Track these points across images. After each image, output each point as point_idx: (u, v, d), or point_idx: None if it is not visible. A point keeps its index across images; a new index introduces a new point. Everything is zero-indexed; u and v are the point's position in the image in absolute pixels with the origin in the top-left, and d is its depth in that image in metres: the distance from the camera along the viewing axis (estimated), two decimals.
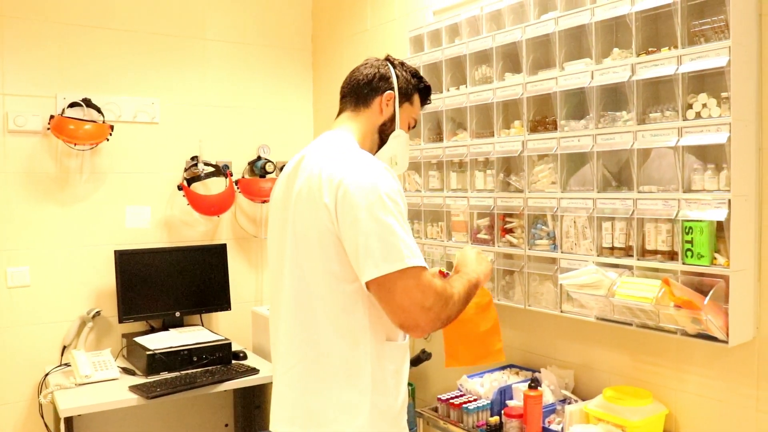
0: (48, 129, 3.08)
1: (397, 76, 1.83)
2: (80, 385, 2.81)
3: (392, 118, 1.83)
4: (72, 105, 3.14)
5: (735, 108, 1.76)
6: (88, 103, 3.17)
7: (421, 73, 1.94)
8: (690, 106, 1.86)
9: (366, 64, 1.86)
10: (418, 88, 1.88)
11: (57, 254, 3.18)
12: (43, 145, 3.14)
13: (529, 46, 2.29)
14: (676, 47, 1.87)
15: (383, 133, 1.83)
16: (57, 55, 3.16)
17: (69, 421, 2.68)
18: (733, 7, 1.75)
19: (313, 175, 1.62)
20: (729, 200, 1.76)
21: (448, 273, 1.95)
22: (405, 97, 1.85)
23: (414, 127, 1.94)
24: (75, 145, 3.14)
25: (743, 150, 1.80)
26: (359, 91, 1.82)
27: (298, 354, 1.65)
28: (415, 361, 2.71)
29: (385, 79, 1.82)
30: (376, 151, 1.83)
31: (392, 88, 1.81)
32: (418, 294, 1.50)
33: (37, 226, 3.13)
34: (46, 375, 3.00)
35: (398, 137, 1.84)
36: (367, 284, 1.52)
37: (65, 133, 3.06)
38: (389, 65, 1.84)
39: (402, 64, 1.87)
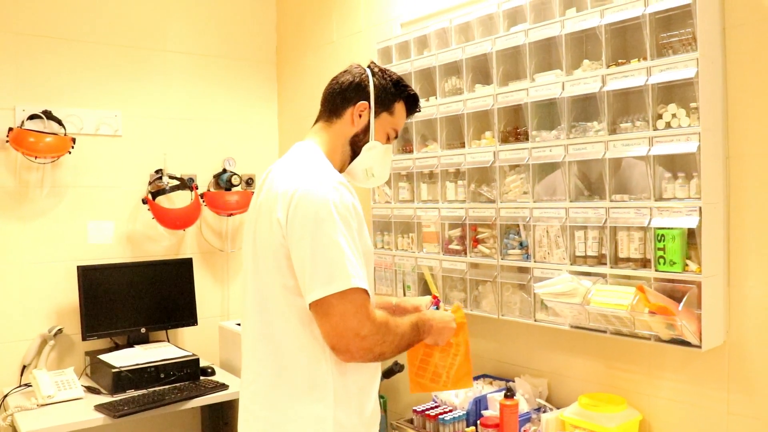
0: (6, 141, 3.00)
1: (375, 85, 1.76)
2: (42, 405, 2.73)
3: (366, 129, 1.76)
4: (32, 117, 3.06)
5: (704, 117, 1.80)
6: (48, 115, 3.09)
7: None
8: (660, 116, 1.90)
9: (345, 71, 1.80)
10: (400, 97, 1.81)
11: (16, 271, 3.08)
12: (0, 158, 3.05)
13: (499, 57, 2.31)
14: (645, 59, 1.91)
15: (355, 145, 1.77)
16: (15, 65, 3.08)
17: None
18: (699, 20, 1.80)
19: (271, 190, 1.62)
20: (700, 208, 1.80)
21: (438, 299, 1.94)
22: (383, 107, 1.78)
23: (396, 137, 1.87)
24: (35, 158, 3.05)
25: (711, 158, 1.84)
26: (333, 100, 1.77)
27: (260, 368, 1.64)
28: (387, 374, 2.69)
29: (361, 88, 1.75)
30: (349, 164, 1.79)
31: (367, 98, 1.75)
32: (354, 321, 1.49)
33: None
34: (5, 397, 2.89)
35: (372, 149, 1.78)
36: (309, 305, 1.52)
37: (25, 145, 2.98)
38: (368, 73, 1.78)
39: (383, 72, 1.80)
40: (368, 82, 1.76)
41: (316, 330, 1.56)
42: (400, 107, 1.83)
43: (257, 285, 1.64)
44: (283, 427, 1.60)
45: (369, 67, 1.81)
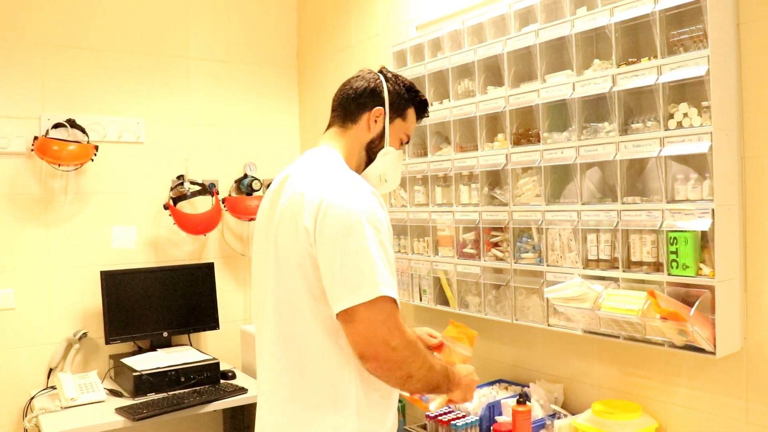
0: (32, 150, 3.06)
1: (389, 91, 1.75)
2: (66, 408, 2.78)
3: (381, 135, 1.76)
4: (56, 126, 3.12)
5: (716, 117, 1.75)
6: (72, 123, 3.15)
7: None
8: (671, 116, 1.85)
9: (358, 76, 1.78)
10: (412, 103, 1.81)
11: (42, 276, 3.15)
12: (27, 166, 3.12)
13: (510, 58, 2.28)
14: (656, 57, 1.87)
15: (371, 151, 1.77)
16: (40, 75, 3.15)
17: None
18: (710, 16, 1.75)
19: (296, 196, 1.57)
20: (712, 210, 1.75)
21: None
22: (396, 112, 1.77)
23: (407, 142, 1.87)
24: (59, 165, 3.12)
25: (725, 159, 1.79)
26: (347, 106, 1.76)
27: (281, 378, 1.60)
28: None
29: (376, 94, 1.74)
30: (364, 169, 1.77)
31: (382, 104, 1.74)
32: (384, 329, 1.47)
33: (21, 248, 3.11)
34: (32, 399, 2.95)
35: (387, 154, 1.77)
36: (337, 314, 1.49)
37: (49, 154, 3.04)
38: (381, 78, 1.76)
39: (396, 77, 1.80)
40: (383, 88, 1.75)
41: (341, 339, 1.54)
42: (411, 112, 1.83)
43: (279, 293, 1.60)
44: None
45: (381, 72, 1.80)
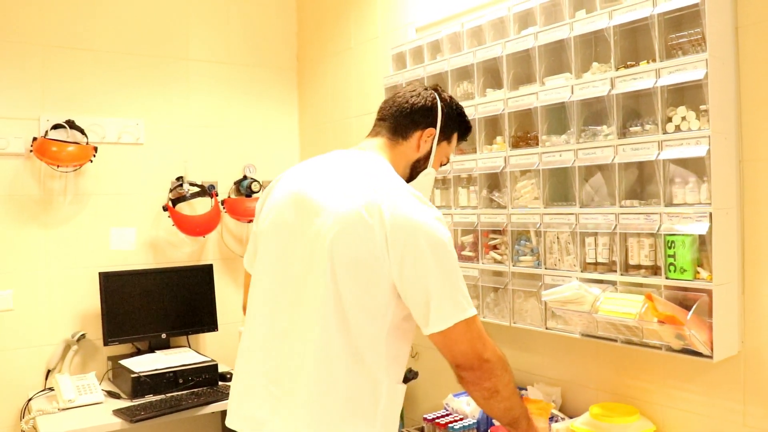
0: (31, 151, 3.06)
1: (443, 113, 1.76)
2: (63, 409, 2.77)
3: (427, 156, 1.76)
4: (55, 127, 3.12)
5: (714, 120, 1.75)
6: (71, 124, 3.15)
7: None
8: (670, 119, 1.85)
9: (414, 91, 1.77)
10: (460, 128, 1.83)
11: (40, 277, 3.15)
12: (26, 167, 3.12)
13: (509, 61, 2.28)
14: (654, 60, 1.87)
15: (415, 170, 1.77)
16: (39, 76, 3.15)
17: None
18: (709, 20, 1.75)
19: (370, 210, 1.50)
20: (710, 213, 1.74)
21: None
22: (444, 135, 1.78)
23: (445, 165, 1.88)
24: (58, 167, 3.12)
25: (724, 162, 1.79)
26: (400, 120, 1.74)
27: (318, 388, 1.53)
28: (403, 381, 2.68)
29: (431, 114, 1.75)
30: None
31: (434, 124, 1.75)
32: (479, 344, 1.53)
33: (20, 249, 3.11)
34: (29, 400, 2.95)
35: (428, 175, 1.78)
36: (431, 334, 1.51)
37: (48, 155, 3.04)
38: (437, 99, 1.76)
39: (450, 99, 1.81)
40: (437, 109, 1.76)
41: (383, 354, 1.54)
42: (455, 137, 1.85)
43: (332, 302, 1.52)
44: None
45: (436, 90, 1.80)
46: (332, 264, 1.52)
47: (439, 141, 1.77)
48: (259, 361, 1.66)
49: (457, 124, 1.82)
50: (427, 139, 1.74)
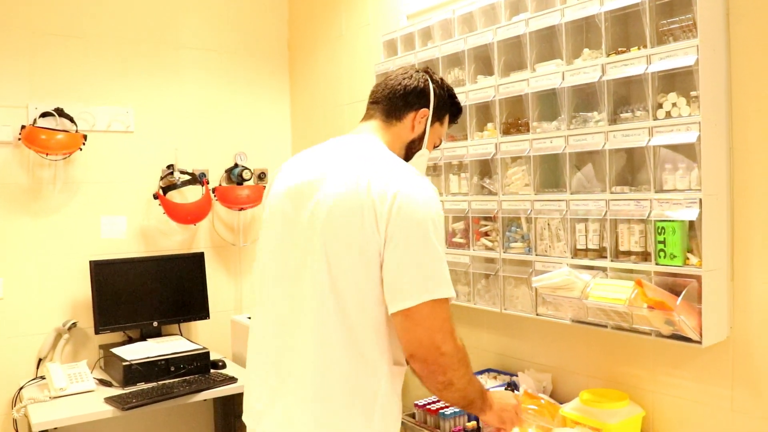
0: (19, 139, 3.04)
1: (435, 94, 1.77)
2: (55, 398, 2.77)
3: (422, 137, 1.77)
4: (44, 115, 3.10)
5: (704, 107, 1.75)
6: (60, 112, 3.13)
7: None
8: (660, 106, 1.85)
9: (405, 73, 1.78)
10: (451, 109, 1.84)
11: (31, 266, 3.14)
12: (14, 155, 3.10)
13: (500, 48, 2.28)
14: (645, 47, 1.87)
15: (410, 150, 1.77)
16: (28, 64, 3.13)
17: None
18: (700, 6, 1.74)
19: (359, 186, 1.51)
20: (700, 199, 1.75)
21: None
22: (437, 116, 1.79)
23: (438, 146, 1.89)
24: (47, 155, 3.10)
25: (714, 149, 1.79)
26: (394, 102, 1.75)
27: (317, 377, 1.53)
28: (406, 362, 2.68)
29: (424, 95, 1.76)
30: None
31: (428, 106, 1.76)
32: (439, 335, 1.48)
33: (9, 238, 3.09)
34: (21, 389, 2.94)
35: (422, 156, 1.79)
36: (395, 312, 1.48)
37: (37, 143, 3.02)
38: (429, 80, 1.77)
39: (441, 81, 1.82)
40: (430, 90, 1.77)
41: (382, 341, 1.53)
42: (447, 118, 1.86)
43: (327, 287, 1.52)
44: None
45: (427, 73, 1.80)
46: (325, 247, 1.53)
47: (432, 122, 1.78)
48: (261, 353, 1.69)
49: (448, 106, 1.83)
50: (421, 120, 1.75)
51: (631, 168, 2.01)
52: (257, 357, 1.70)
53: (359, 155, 1.61)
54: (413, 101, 1.75)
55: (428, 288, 1.46)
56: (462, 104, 2.34)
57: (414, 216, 1.47)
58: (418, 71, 1.80)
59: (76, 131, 3.14)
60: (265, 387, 1.64)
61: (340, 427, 1.54)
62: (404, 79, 1.77)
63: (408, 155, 1.77)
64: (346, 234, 1.51)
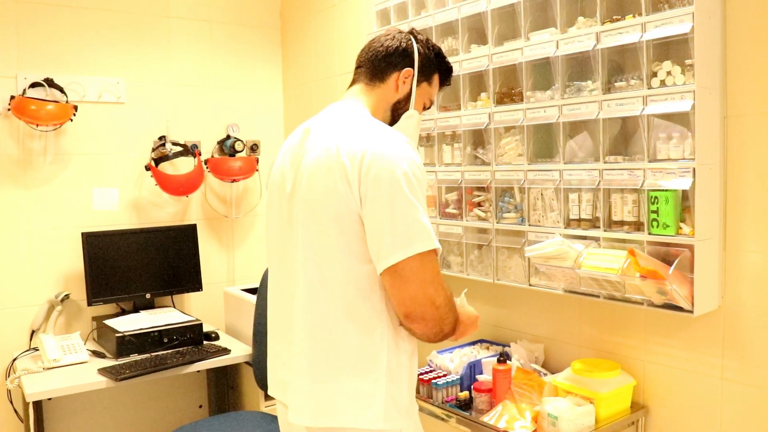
0: (8, 110, 3.01)
1: (419, 53, 1.73)
2: (48, 369, 2.78)
3: (407, 97, 1.73)
4: (33, 85, 3.06)
5: (699, 75, 1.74)
6: (50, 83, 3.09)
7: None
8: (655, 74, 1.83)
9: (388, 35, 1.75)
10: (439, 68, 1.80)
11: (22, 238, 3.12)
12: (3, 126, 3.06)
13: (494, 16, 2.25)
14: (640, 14, 1.84)
15: (396, 112, 1.74)
16: (16, 33, 3.08)
17: (37, 405, 2.65)
18: None
19: (329, 151, 1.51)
20: (693, 169, 1.74)
21: None
22: (424, 76, 1.75)
23: (429, 108, 1.85)
24: (37, 126, 3.07)
25: (708, 118, 1.78)
26: (376, 64, 1.72)
27: (309, 341, 1.54)
28: None
29: (406, 54, 1.72)
30: None
31: (412, 65, 1.72)
32: (432, 288, 1.47)
33: (0, 210, 3.06)
34: (14, 360, 2.95)
35: (411, 117, 1.75)
36: (384, 270, 1.46)
37: (26, 113, 2.98)
38: (413, 40, 1.74)
39: (426, 40, 1.77)
40: (413, 50, 1.73)
41: (374, 299, 1.52)
42: (436, 78, 1.82)
43: (309, 253, 1.53)
44: (332, 403, 1.52)
45: (412, 33, 1.77)
46: (304, 215, 1.55)
47: (419, 82, 1.75)
48: (271, 325, 1.73)
49: (436, 65, 1.79)
50: (405, 79, 1.72)
51: (624, 138, 2.00)
52: (270, 329, 1.73)
53: (334, 121, 1.61)
54: (396, 61, 1.71)
55: (412, 241, 1.44)
56: (455, 74, 2.35)
57: (384, 173, 1.45)
58: (401, 32, 1.77)
59: (67, 102, 3.11)
60: (279, 359, 1.68)
61: (346, 394, 1.52)
62: (387, 40, 1.74)
63: (395, 117, 1.74)
64: (321, 201, 1.51)
